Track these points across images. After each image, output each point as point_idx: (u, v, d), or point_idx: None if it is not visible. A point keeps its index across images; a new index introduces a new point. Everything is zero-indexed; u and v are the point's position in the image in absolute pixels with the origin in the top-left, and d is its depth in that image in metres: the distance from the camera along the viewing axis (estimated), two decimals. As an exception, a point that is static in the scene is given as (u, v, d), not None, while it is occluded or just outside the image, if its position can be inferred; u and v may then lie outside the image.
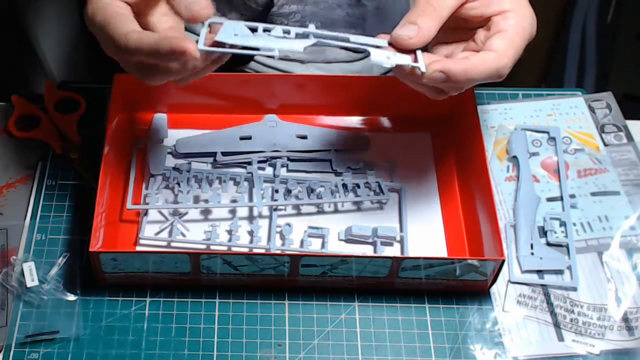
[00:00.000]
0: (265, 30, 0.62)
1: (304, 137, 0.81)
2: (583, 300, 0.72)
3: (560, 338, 0.70)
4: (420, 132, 0.83)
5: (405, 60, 0.62)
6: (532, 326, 0.71)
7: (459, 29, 0.66)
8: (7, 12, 1.02)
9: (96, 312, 0.70)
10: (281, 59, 0.90)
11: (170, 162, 0.79)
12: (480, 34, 0.65)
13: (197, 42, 0.60)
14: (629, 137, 0.83)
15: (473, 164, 0.75)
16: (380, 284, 0.71)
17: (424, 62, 0.62)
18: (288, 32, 0.62)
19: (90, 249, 0.66)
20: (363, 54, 0.90)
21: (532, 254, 0.74)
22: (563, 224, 0.76)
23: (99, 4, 0.62)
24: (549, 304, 0.72)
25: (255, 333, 0.70)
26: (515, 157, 0.81)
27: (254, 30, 0.62)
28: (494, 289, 0.72)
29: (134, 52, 0.59)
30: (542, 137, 0.83)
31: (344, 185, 0.77)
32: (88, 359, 0.68)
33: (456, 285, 0.71)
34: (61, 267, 0.72)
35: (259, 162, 0.79)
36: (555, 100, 0.86)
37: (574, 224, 0.76)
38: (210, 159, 0.79)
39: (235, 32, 0.61)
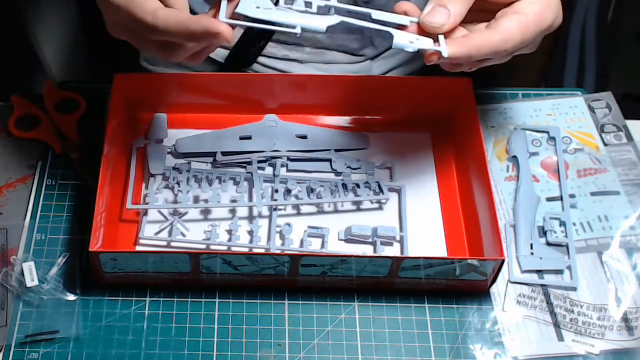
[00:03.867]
0: (286, 2, 0.61)
1: (304, 137, 0.81)
2: (583, 300, 0.72)
3: (560, 338, 0.70)
4: (420, 132, 0.83)
5: (428, 44, 0.61)
6: (532, 326, 0.71)
7: (483, 11, 0.64)
8: (7, 12, 1.02)
9: (96, 312, 0.70)
10: (281, 59, 0.90)
11: (170, 162, 0.79)
12: (501, 13, 0.63)
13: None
14: (629, 137, 0.83)
15: (473, 164, 0.75)
16: (380, 284, 0.71)
17: (446, 46, 0.61)
18: (310, 5, 0.61)
19: (90, 249, 0.66)
20: (363, 57, 0.90)
21: (532, 254, 0.74)
22: (563, 224, 0.76)
23: None
24: (549, 304, 0.72)
25: (255, 333, 0.70)
26: (515, 157, 0.81)
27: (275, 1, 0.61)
28: (494, 289, 0.72)
29: (162, 31, 0.58)
30: (542, 137, 0.83)
31: (344, 185, 0.77)
32: (88, 359, 0.68)
33: (456, 285, 0.71)
34: (61, 267, 0.72)
35: (259, 162, 0.78)
36: (555, 100, 0.86)
37: (574, 224, 0.76)
38: (210, 159, 0.79)
39: (256, 4, 0.59)
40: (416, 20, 0.63)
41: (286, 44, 0.89)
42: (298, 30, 0.59)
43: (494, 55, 0.62)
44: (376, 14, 0.63)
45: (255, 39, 0.87)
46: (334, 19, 0.61)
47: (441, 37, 0.62)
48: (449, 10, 0.61)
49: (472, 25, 0.65)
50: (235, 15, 0.60)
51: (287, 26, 0.59)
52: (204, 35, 0.57)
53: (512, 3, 0.63)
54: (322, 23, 0.60)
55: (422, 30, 0.62)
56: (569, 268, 0.73)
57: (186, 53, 0.62)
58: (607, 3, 1.32)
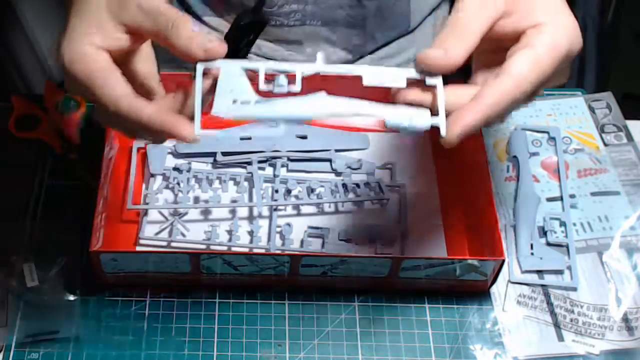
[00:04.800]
0: (266, 73, 0.55)
1: (304, 137, 0.81)
2: (583, 300, 0.72)
3: (560, 338, 0.70)
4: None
5: (424, 120, 0.55)
6: (532, 326, 0.71)
7: (498, 50, 0.57)
8: (7, 12, 1.02)
9: (96, 312, 0.70)
10: (281, 60, 0.90)
11: (170, 162, 0.79)
12: (510, 50, 0.56)
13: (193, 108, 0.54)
14: (629, 137, 0.83)
15: (473, 164, 0.75)
16: (380, 284, 0.71)
17: (445, 121, 0.54)
18: (294, 81, 0.55)
19: (90, 249, 0.66)
20: (362, 57, 0.90)
21: (532, 254, 0.74)
22: (563, 224, 0.76)
23: (77, 52, 0.54)
24: (549, 304, 0.72)
25: (255, 333, 0.70)
26: (515, 157, 0.81)
27: (253, 73, 0.55)
28: (494, 289, 0.72)
29: (123, 119, 0.54)
30: (542, 137, 0.83)
31: (344, 185, 0.77)
32: (88, 359, 0.68)
33: (456, 285, 0.71)
34: (61, 267, 0.72)
35: (259, 162, 0.78)
36: (555, 100, 0.86)
37: (574, 224, 0.76)
38: (210, 159, 0.79)
39: (233, 95, 0.54)
40: (413, 75, 0.56)
41: (286, 43, 0.89)
42: (280, 133, 0.55)
43: (514, 103, 0.55)
44: (367, 78, 0.56)
45: (245, 31, 0.83)
46: (319, 102, 0.55)
47: (441, 107, 0.55)
48: (446, 48, 0.55)
49: (491, 71, 0.58)
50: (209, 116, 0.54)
51: (269, 120, 0.54)
52: (164, 134, 0.54)
53: (522, 33, 0.57)
54: (309, 111, 0.54)
55: (421, 90, 0.56)
56: (569, 268, 0.73)
57: (149, 138, 0.58)
58: (607, 3, 1.32)
